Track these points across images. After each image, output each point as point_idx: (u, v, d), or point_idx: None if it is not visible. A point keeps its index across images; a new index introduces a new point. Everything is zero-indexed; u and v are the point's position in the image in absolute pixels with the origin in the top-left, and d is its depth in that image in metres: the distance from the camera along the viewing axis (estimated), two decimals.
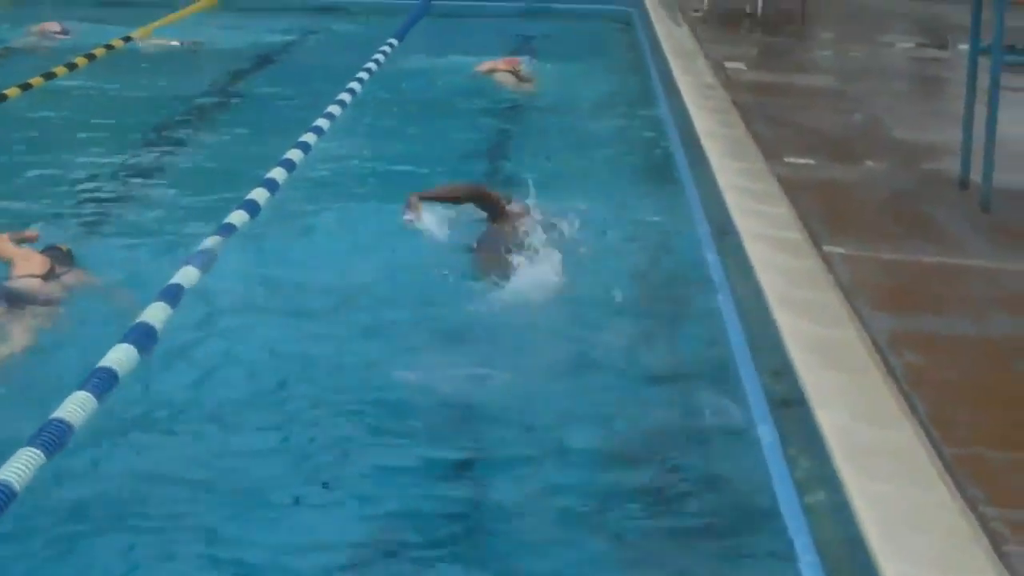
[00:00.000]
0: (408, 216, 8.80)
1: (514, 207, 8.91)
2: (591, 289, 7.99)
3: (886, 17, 20.28)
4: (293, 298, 7.99)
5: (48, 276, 7.62)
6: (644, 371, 7.06)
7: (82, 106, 13.43)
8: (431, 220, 8.79)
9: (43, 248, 7.97)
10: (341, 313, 7.74)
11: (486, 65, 15.22)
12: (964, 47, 9.88)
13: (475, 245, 8.60)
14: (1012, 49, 9.18)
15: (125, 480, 5.75)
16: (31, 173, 10.80)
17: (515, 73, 14.95)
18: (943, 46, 17.24)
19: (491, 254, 8.29)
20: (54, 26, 17.99)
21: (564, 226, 8.66)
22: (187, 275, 7.34)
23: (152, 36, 17.00)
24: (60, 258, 7.90)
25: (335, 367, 6.96)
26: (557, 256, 8.16)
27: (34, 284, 7.50)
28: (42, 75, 13.83)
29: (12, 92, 12.93)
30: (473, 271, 8.25)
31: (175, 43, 16.86)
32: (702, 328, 7.47)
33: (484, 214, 8.91)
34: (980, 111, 8.99)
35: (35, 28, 18.00)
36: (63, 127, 12.61)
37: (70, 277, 7.77)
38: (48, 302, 7.39)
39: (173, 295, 7.01)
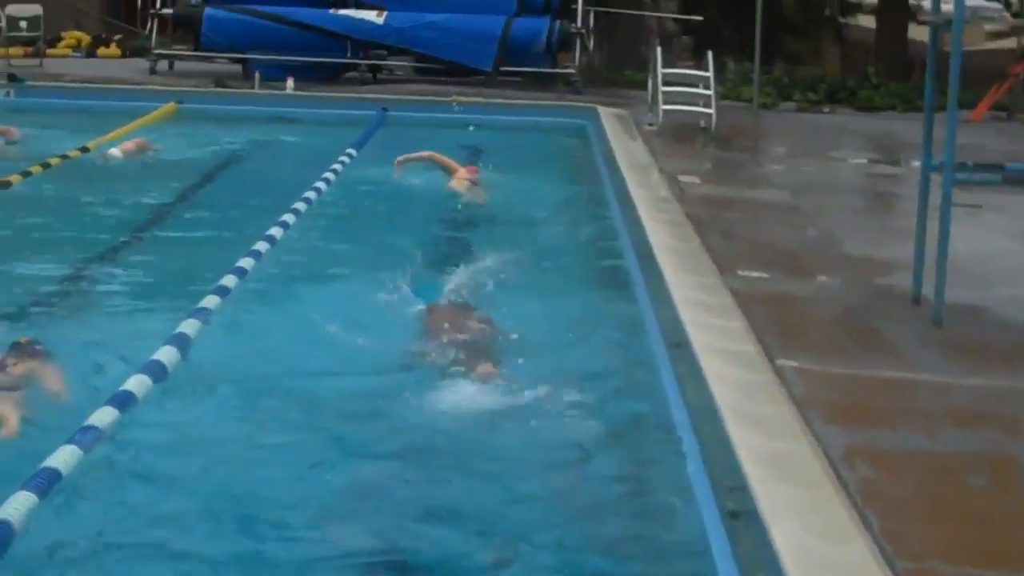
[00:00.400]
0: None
1: (466, 313, 9.20)
2: (541, 396, 7.97)
3: (839, 133, 20.57)
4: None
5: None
6: (595, 478, 7.03)
7: (37, 212, 13.40)
8: None
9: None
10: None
11: (437, 159, 15.48)
12: (917, 163, 9.98)
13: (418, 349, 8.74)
14: (963, 166, 9.30)
15: None
16: None
17: (471, 181, 15.03)
18: (895, 162, 17.47)
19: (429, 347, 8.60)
20: (11, 131, 18.03)
21: (514, 335, 8.84)
22: (137, 383, 7.36)
23: (108, 145, 16.86)
24: (17, 351, 7.99)
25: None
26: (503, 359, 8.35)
27: None
28: None
29: None
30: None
31: (129, 147, 16.65)
32: (656, 438, 7.45)
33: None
34: (932, 227, 9.08)
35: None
36: (17, 232, 12.55)
37: (20, 368, 7.81)
38: None
39: (122, 401, 7.11)
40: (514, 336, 8.90)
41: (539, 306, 9.88)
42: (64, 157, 15.88)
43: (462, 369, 8.16)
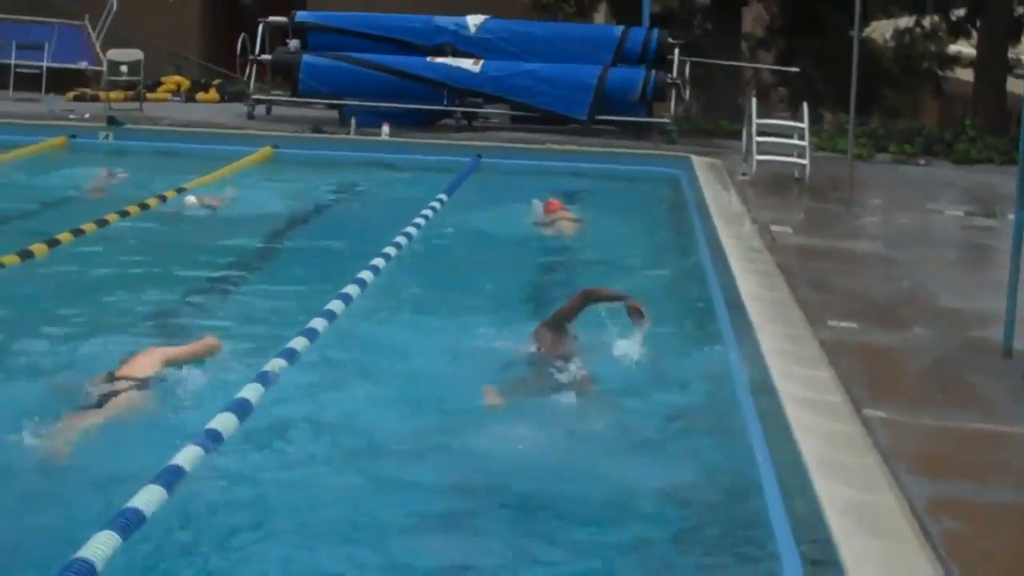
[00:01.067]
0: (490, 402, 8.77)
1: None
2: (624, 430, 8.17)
3: (934, 186, 20.41)
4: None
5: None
6: (677, 524, 7.01)
7: (132, 251, 13.58)
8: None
9: None
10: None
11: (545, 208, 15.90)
12: (1012, 216, 9.87)
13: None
14: None
15: None
16: (79, 314, 10.90)
17: (569, 219, 15.61)
18: (991, 215, 17.30)
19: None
20: (116, 173, 18.52)
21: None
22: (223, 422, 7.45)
23: (199, 190, 16.91)
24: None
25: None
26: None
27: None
28: (95, 221, 13.99)
29: (65, 236, 13.07)
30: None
31: (214, 201, 16.67)
32: (739, 487, 7.42)
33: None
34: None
35: (102, 173, 18.71)
36: (114, 270, 12.72)
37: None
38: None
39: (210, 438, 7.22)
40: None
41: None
42: (161, 198, 16.02)
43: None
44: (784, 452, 7.26)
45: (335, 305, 10.38)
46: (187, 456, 6.89)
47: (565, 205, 16.38)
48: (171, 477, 6.62)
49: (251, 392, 8.01)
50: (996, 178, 21.20)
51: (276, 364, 8.64)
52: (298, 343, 9.22)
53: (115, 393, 8.18)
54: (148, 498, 6.27)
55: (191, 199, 16.11)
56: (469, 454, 7.82)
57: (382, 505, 7.11)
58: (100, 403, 8.06)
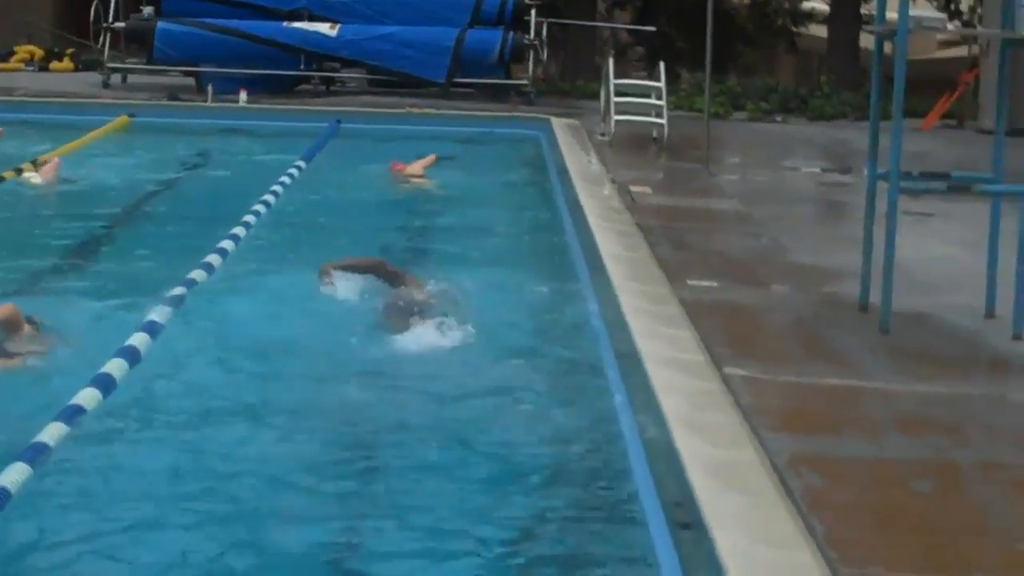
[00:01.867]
0: (324, 282, 10.09)
1: (409, 280, 10.15)
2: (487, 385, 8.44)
3: (790, 143, 20.67)
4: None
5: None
6: (540, 492, 7.05)
7: None
8: (343, 287, 10.04)
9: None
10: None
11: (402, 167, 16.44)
12: (866, 171, 9.99)
13: (379, 308, 9.74)
14: (908, 175, 9.34)
15: None
16: None
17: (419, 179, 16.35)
18: (847, 171, 17.54)
19: (392, 315, 9.52)
20: None
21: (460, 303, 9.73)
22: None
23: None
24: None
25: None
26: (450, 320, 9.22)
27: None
28: None
29: None
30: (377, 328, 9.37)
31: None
32: (604, 448, 7.48)
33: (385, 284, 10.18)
34: (881, 235, 9.12)
35: None
36: None
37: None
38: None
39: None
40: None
41: (489, 309, 9.93)
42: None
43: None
44: (647, 412, 7.32)
45: (197, 274, 10.32)
46: (52, 432, 6.84)
47: (421, 167, 16.64)
48: (36, 453, 6.59)
49: (114, 367, 7.94)
50: (851, 133, 21.50)
51: (140, 339, 8.57)
52: (159, 313, 9.15)
53: None
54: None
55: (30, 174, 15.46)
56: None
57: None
58: None
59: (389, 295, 9.96)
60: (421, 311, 9.41)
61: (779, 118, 24.15)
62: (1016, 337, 8.93)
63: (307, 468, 7.00)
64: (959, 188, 9.85)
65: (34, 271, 11.56)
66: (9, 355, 8.46)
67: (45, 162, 15.61)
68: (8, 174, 15.36)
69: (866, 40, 28.25)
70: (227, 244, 11.51)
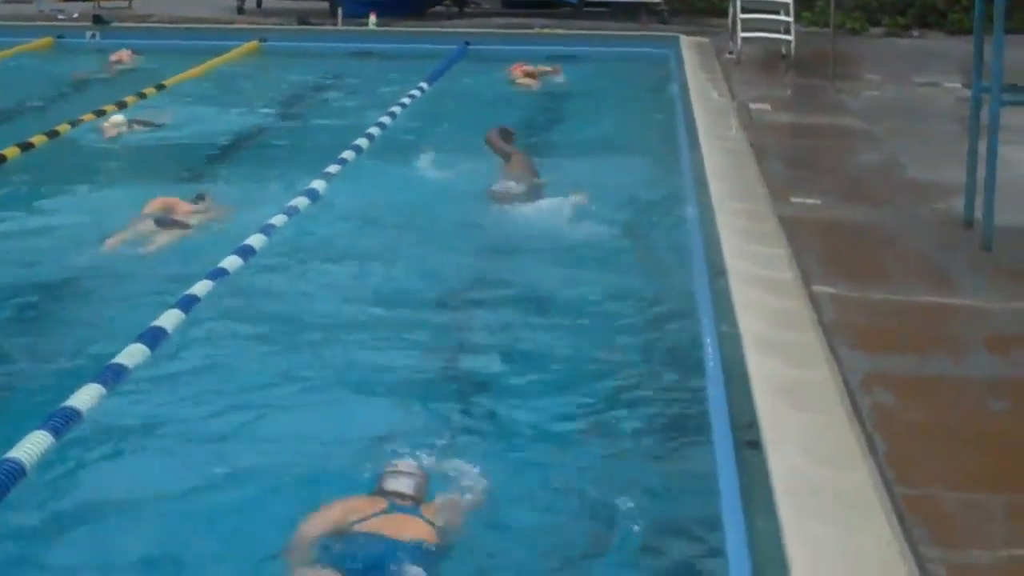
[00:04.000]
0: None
1: (517, 161, 11.71)
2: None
3: (924, 57, 20.17)
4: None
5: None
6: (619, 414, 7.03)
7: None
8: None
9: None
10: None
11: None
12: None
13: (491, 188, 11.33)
14: (1014, 88, 9.10)
15: None
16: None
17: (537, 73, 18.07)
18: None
19: (501, 191, 11.19)
20: (125, 55, 19.49)
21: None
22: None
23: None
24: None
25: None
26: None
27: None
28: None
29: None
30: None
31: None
32: (683, 364, 7.44)
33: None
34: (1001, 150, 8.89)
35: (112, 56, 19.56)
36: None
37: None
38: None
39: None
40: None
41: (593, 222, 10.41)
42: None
43: None
44: (727, 331, 7.24)
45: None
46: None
47: (535, 71, 18.28)
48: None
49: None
50: (988, 48, 20.94)
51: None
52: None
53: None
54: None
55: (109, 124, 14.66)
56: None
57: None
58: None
59: (499, 176, 11.52)
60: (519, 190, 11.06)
61: (916, 32, 23.61)
62: None
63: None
64: None
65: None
66: (183, 225, 10.34)
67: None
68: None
69: None
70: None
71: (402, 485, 5.62)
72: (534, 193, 11.09)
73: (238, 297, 8.69)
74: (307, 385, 7.33)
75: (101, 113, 14.86)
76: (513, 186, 11.16)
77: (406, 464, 5.81)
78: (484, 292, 9.24)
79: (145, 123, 14.56)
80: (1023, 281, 8.11)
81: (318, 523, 5.41)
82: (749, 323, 6.99)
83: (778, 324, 7.03)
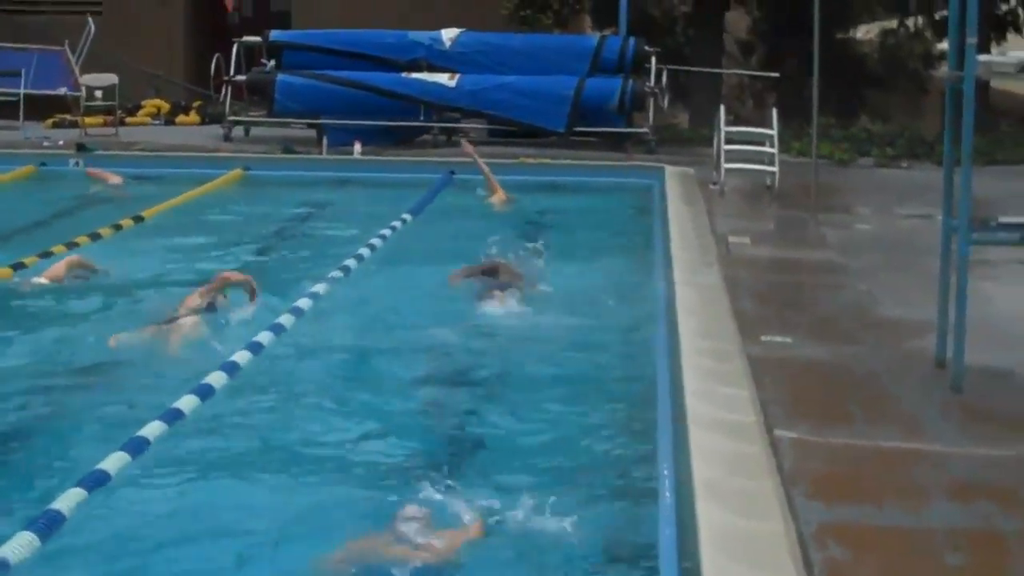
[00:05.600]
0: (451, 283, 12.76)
1: (503, 267, 12.77)
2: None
3: (910, 189, 20.10)
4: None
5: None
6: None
7: None
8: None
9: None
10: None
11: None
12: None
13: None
14: (986, 224, 8.98)
15: None
16: None
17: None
18: None
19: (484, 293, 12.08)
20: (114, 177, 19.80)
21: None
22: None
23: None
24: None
25: None
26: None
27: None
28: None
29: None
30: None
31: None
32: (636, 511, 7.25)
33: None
34: (977, 286, 8.76)
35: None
36: None
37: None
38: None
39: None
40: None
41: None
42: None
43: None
44: (683, 476, 7.05)
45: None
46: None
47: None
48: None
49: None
50: (976, 179, 20.83)
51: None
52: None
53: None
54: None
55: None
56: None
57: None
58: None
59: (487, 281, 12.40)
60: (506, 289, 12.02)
61: (905, 164, 23.59)
62: None
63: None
64: None
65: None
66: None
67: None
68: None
69: (997, 81, 27.66)
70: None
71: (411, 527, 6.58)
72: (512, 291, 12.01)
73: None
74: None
75: (48, 255, 13.78)
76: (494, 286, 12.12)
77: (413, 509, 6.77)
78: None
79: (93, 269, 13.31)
80: (992, 425, 7.93)
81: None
82: (703, 470, 6.80)
83: (734, 471, 6.84)
